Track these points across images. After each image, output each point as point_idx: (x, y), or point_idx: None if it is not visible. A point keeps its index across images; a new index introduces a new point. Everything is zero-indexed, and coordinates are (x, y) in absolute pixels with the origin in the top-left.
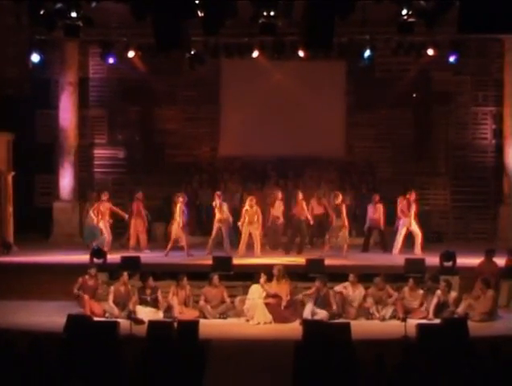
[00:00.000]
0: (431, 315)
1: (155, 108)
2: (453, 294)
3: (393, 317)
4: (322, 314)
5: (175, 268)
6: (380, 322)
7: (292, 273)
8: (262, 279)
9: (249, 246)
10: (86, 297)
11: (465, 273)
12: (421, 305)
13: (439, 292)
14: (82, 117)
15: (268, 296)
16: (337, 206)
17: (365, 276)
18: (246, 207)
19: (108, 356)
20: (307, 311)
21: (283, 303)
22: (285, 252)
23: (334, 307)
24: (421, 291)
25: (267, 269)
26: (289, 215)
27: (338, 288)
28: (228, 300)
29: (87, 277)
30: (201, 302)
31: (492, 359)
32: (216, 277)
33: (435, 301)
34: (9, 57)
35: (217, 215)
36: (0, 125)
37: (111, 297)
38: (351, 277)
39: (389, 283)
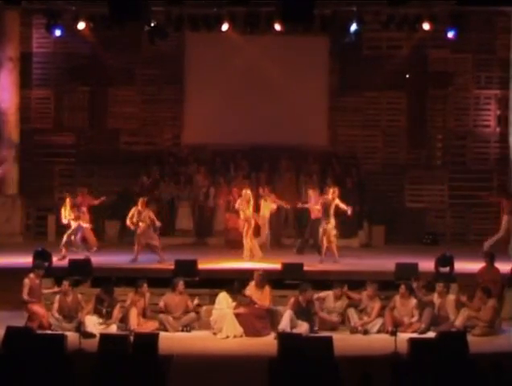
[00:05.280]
0: (423, 326)
1: (109, 89)
2: (451, 297)
3: (381, 330)
4: (303, 327)
5: (132, 274)
6: (365, 335)
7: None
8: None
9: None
10: (37, 308)
11: (464, 279)
12: (413, 316)
13: (435, 295)
14: (24, 98)
15: (241, 304)
16: (330, 201)
17: (351, 283)
18: (240, 199)
19: (54, 374)
20: (286, 321)
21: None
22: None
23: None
24: (414, 300)
25: (239, 276)
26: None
27: (320, 296)
28: (192, 309)
29: (32, 275)
30: (161, 314)
31: (494, 378)
32: (181, 283)
33: (433, 309)
34: None
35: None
36: None
37: (55, 308)
38: (337, 291)
39: (377, 291)
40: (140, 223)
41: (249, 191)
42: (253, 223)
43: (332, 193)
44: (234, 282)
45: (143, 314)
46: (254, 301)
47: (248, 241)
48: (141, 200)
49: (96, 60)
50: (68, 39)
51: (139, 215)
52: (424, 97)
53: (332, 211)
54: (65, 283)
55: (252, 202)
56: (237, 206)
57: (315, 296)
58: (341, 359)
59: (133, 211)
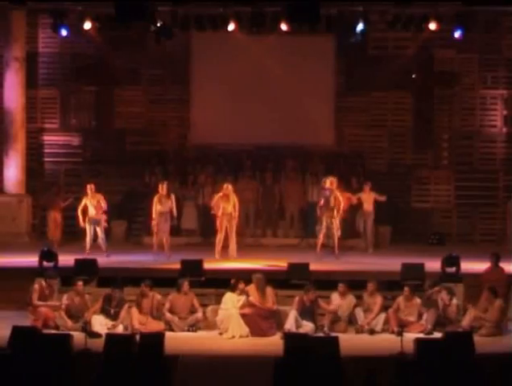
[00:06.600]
0: (429, 327)
1: (115, 89)
2: (455, 302)
3: (385, 330)
4: (308, 327)
5: (138, 274)
6: (370, 335)
7: (272, 280)
8: (241, 286)
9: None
10: (44, 309)
11: (471, 280)
12: (419, 317)
13: (444, 296)
14: (30, 98)
15: (246, 305)
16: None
17: (356, 283)
18: (220, 194)
19: (59, 374)
20: (291, 321)
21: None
22: None
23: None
24: (418, 300)
25: (244, 275)
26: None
27: (325, 305)
28: (199, 310)
29: (44, 284)
30: (167, 314)
31: (500, 378)
32: (186, 283)
33: (437, 310)
34: None
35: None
36: None
37: (62, 308)
38: (340, 287)
39: (383, 291)
40: (159, 208)
41: (230, 186)
42: (235, 219)
43: (330, 184)
44: (234, 281)
45: (151, 314)
46: (257, 305)
47: (233, 238)
48: (160, 185)
49: (102, 60)
50: (74, 39)
51: (160, 201)
52: (430, 97)
53: (332, 204)
54: (79, 283)
55: (234, 198)
56: (213, 202)
57: (323, 305)
58: (347, 358)
59: (155, 200)
